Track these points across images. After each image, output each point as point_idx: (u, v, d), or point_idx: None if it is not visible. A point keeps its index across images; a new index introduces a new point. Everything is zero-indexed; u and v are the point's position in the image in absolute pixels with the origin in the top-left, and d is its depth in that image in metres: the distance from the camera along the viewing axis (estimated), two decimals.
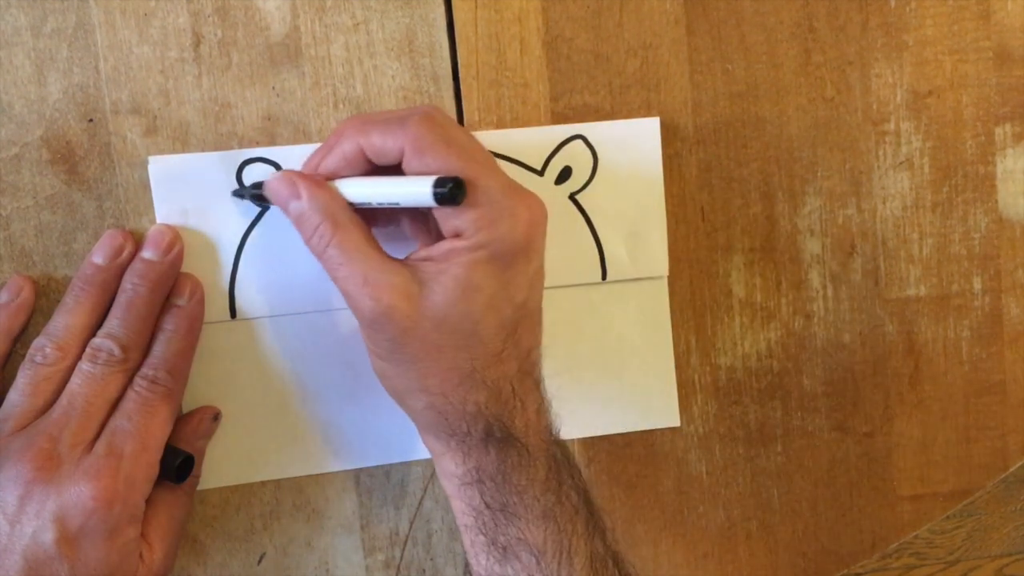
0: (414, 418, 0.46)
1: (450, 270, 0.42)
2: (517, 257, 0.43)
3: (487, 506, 0.44)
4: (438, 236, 0.44)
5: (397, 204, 0.43)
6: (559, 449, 0.46)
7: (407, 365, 0.43)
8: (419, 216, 0.47)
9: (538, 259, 0.44)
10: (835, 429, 0.56)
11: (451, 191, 0.40)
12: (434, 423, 0.44)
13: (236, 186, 0.47)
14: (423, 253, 0.43)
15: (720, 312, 0.54)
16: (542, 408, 0.45)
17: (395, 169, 0.43)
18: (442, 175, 0.41)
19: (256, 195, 0.46)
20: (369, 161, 0.43)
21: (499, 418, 0.44)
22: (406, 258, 0.44)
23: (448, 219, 0.42)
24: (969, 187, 0.55)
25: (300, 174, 0.44)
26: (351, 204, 0.43)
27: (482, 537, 0.44)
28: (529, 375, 0.45)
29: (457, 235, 0.42)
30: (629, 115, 0.51)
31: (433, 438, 0.45)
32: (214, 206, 0.47)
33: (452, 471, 0.45)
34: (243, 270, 0.48)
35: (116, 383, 0.44)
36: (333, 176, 0.44)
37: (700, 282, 0.54)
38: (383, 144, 0.42)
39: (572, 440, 0.53)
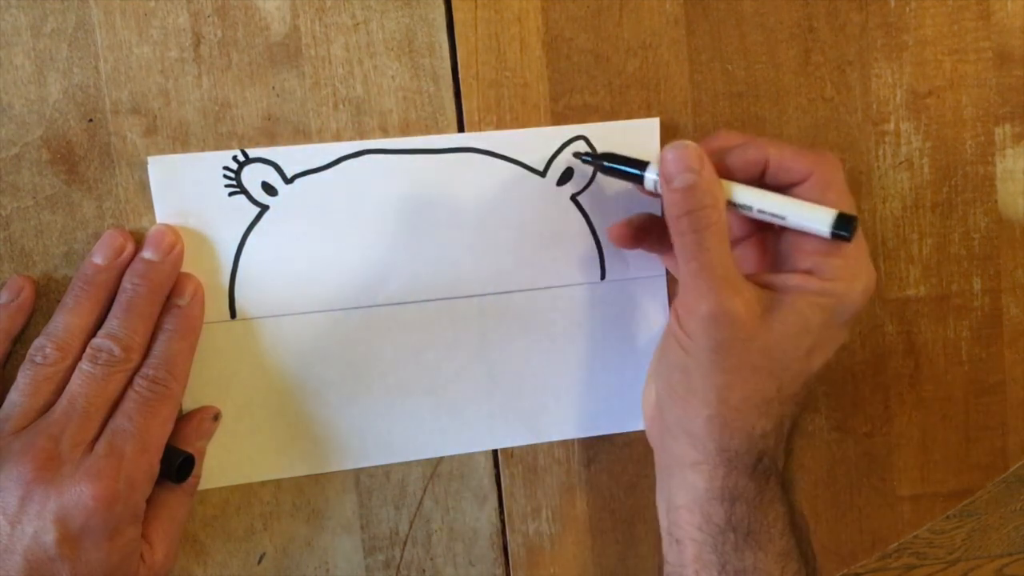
0: (686, 423, 0.44)
1: (796, 304, 0.43)
2: (850, 318, 0.44)
3: (733, 528, 0.43)
4: (768, 258, 0.47)
5: (783, 220, 0.43)
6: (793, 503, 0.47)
7: (720, 374, 0.43)
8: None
9: (849, 329, 0.46)
10: (835, 429, 0.56)
11: (851, 230, 0.42)
12: (707, 434, 0.44)
13: (236, 187, 0.47)
14: (766, 279, 0.44)
15: None
16: (790, 458, 0.46)
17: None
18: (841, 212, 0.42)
19: (606, 167, 0.47)
20: (758, 175, 0.44)
21: (772, 450, 0.44)
22: (748, 276, 0.44)
23: (811, 256, 0.43)
24: (969, 187, 0.55)
25: (701, 150, 0.43)
26: (729, 202, 0.44)
27: (714, 556, 0.44)
28: (795, 427, 0.46)
29: (809, 273, 0.43)
30: (629, 115, 0.51)
31: (689, 447, 0.44)
32: (214, 206, 0.47)
33: (693, 482, 0.44)
34: (243, 270, 0.48)
35: (116, 383, 0.44)
36: (726, 172, 0.44)
37: None
38: (793, 163, 0.44)
39: (572, 440, 0.54)
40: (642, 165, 0.46)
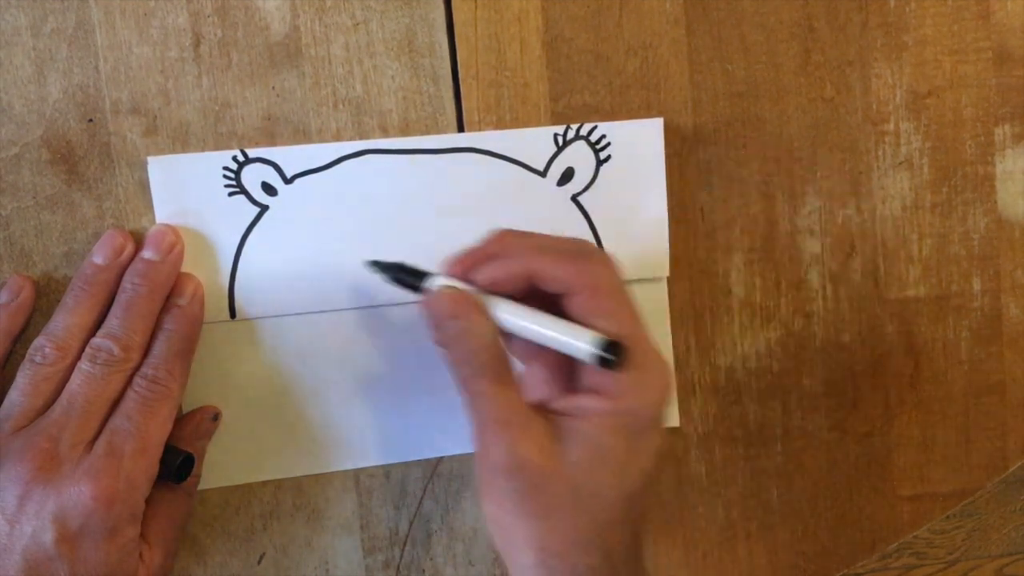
0: (515, 570, 0.42)
1: (587, 431, 0.40)
2: (651, 427, 0.42)
3: None
4: (559, 374, 0.43)
5: (551, 345, 0.41)
6: None
7: (529, 520, 0.40)
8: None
9: (663, 429, 0.42)
10: (835, 429, 0.56)
11: (617, 360, 0.39)
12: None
13: (236, 187, 0.47)
14: (558, 405, 0.42)
15: (720, 312, 0.54)
16: (639, 563, 0.43)
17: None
18: (607, 334, 0.40)
19: (400, 279, 0.44)
20: (529, 283, 0.42)
21: None
22: (538, 404, 0.42)
23: (595, 372, 0.40)
24: (968, 187, 0.55)
25: (464, 294, 0.41)
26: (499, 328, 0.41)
27: None
28: (639, 542, 0.43)
29: (596, 392, 0.41)
30: (629, 115, 0.51)
31: None
32: (214, 206, 0.47)
33: None
34: (243, 270, 0.48)
35: (116, 383, 0.44)
36: (491, 286, 0.42)
37: (700, 282, 0.54)
38: (555, 275, 0.41)
39: None
40: (423, 277, 0.43)
